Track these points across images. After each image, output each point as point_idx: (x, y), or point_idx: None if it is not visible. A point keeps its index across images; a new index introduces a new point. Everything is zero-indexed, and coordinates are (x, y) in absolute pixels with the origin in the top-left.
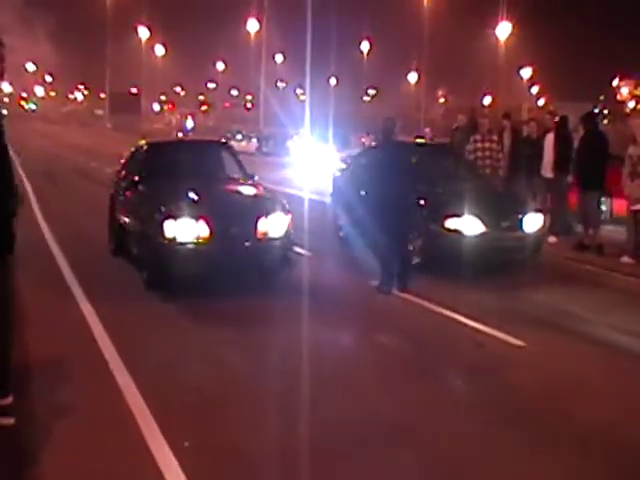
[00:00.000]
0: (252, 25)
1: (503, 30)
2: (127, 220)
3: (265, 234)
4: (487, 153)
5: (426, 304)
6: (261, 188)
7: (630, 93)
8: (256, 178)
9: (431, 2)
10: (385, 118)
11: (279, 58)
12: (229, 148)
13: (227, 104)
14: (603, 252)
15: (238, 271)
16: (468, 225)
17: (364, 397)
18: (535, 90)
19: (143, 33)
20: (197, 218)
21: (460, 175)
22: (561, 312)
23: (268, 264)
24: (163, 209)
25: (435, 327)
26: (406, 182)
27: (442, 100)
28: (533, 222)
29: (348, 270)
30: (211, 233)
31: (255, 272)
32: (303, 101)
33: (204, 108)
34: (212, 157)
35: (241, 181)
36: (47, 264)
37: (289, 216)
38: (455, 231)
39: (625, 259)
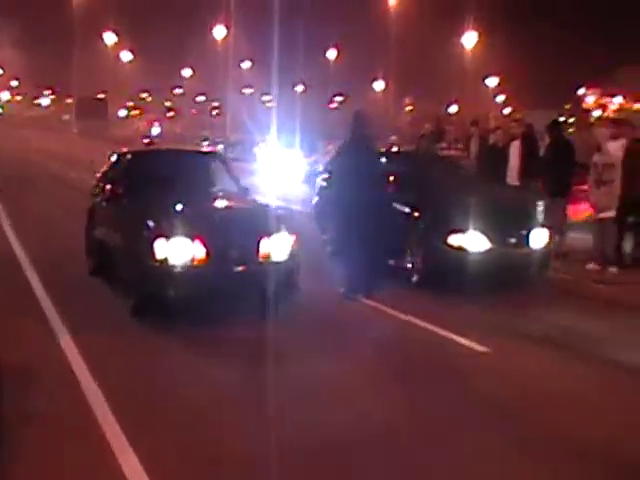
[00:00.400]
0: (219, 31)
1: (469, 39)
2: (109, 238)
3: (268, 257)
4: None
5: (390, 311)
6: (262, 204)
7: (596, 102)
8: (251, 192)
9: (399, 8)
10: (356, 111)
11: (247, 64)
12: (221, 158)
13: (194, 110)
14: (568, 259)
15: (236, 298)
16: (473, 241)
17: (334, 405)
18: (502, 98)
19: (110, 39)
20: (192, 237)
21: (461, 187)
22: (528, 319)
23: (270, 291)
24: (153, 227)
25: (397, 333)
26: (378, 183)
27: (409, 108)
28: (540, 238)
29: (316, 278)
30: (207, 255)
31: (256, 299)
32: (270, 107)
33: (170, 114)
34: (204, 168)
35: (239, 196)
36: (14, 273)
37: (294, 236)
38: (459, 248)
39: (591, 266)
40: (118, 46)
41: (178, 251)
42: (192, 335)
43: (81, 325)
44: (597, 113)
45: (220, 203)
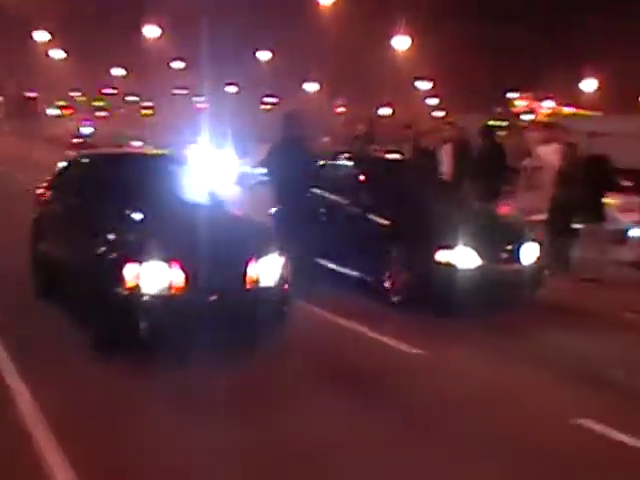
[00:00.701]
0: (152, 32)
1: (401, 42)
2: (62, 258)
3: (256, 282)
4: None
5: (326, 314)
6: (247, 219)
7: (527, 106)
8: (228, 204)
9: (333, 11)
10: (287, 112)
11: (180, 65)
12: (190, 163)
13: (122, 110)
14: None
15: (217, 330)
16: (462, 257)
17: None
18: (435, 101)
19: (42, 37)
20: (169, 261)
21: (441, 198)
22: (463, 322)
23: (258, 320)
24: (121, 248)
25: (333, 337)
26: (306, 184)
27: (341, 109)
28: (531, 252)
29: None
30: (187, 281)
31: (241, 330)
32: (202, 109)
33: (102, 114)
34: (174, 175)
35: (218, 209)
36: None
37: (283, 258)
38: (447, 264)
39: None
40: (50, 44)
41: (152, 277)
42: (158, 371)
43: (24, 349)
44: (528, 117)
45: (198, 218)
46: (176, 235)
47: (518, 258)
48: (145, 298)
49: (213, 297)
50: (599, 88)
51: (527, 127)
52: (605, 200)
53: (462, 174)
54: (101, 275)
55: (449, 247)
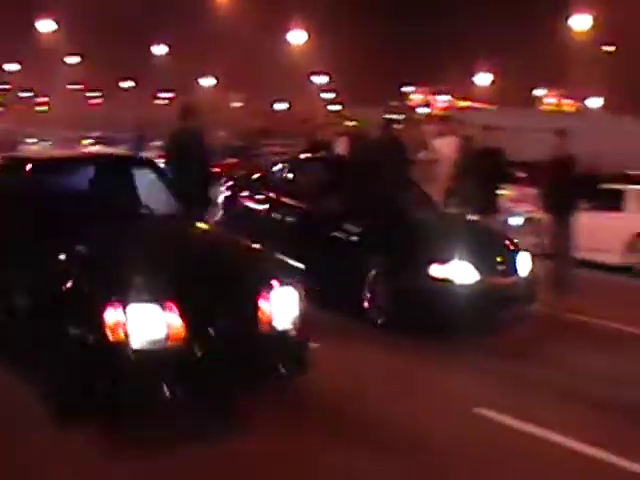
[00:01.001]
0: (46, 26)
1: (296, 37)
2: (4, 298)
3: (269, 324)
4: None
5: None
6: (245, 242)
7: (423, 99)
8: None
9: (229, 4)
10: (182, 104)
11: (75, 60)
12: (159, 168)
13: (18, 106)
14: None
15: (227, 386)
16: (459, 272)
17: None
18: (332, 95)
19: None
20: (162, 302)
21: (419, 206)
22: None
23: (274, 371)
24: (100, 287)
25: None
26: (207, 177)
27: (238, 104)
28: (525, 263)
29: None
30: (186, 328)
31: (252, 385)
32: (99, 104)
33: None
34: (147, 186)
35: (211, 230)
36: None
37: (298, 291)
38: (443, 280)
39: None
40: None
41: (143, 324)
42: (143, 449)
43: None
44: (423, 110)
45: (189, 242)
46: (167, 267)
47: (515, 270)
48: (132, 352)
49: (219, 346)
50: (493, 82)
51: (423, 120)
52: (499, 192)
53: (358, 167)
54: (69, 322)
55: (444, 260)
